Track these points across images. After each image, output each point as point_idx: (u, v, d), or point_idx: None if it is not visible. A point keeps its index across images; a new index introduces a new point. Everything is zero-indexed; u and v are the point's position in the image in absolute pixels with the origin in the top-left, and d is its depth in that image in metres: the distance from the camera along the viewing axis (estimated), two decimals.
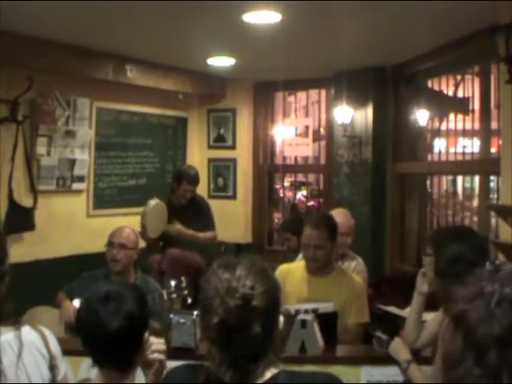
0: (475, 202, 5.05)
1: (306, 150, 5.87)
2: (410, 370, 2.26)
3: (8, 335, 1.57)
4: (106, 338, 1.54)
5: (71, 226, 4.79)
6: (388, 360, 2.39)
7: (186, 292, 2.77)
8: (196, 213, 4.65)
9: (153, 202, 4.42)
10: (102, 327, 1.54)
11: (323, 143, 6.19)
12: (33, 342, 1.61)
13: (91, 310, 1.58)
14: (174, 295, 2.76)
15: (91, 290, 1.66)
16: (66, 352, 1.77)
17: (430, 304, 2.29)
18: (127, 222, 4.20)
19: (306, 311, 2.52)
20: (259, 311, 1.21)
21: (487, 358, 0.77)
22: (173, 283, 2.81)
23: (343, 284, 2.97)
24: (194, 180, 4.72)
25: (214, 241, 4.67)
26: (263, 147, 6.11)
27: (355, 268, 3.44)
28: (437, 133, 5.30)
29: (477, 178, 4.63)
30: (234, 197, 6.03)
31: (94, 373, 1.65)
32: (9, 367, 1.54)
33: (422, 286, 2.28)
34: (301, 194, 8.01)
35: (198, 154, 6.06)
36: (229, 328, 1.20)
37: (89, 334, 1.59)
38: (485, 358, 0.77)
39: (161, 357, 1.68)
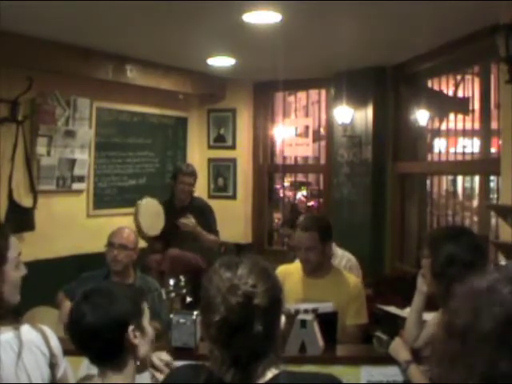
0: (475, 202, 5.05)
1: (306, 150, 5.87)
2: (410, 370, 2.26)
3: (7, 334, 1.58)
4: (82, 334, 1.58)
5: (71, 226, 4.78)
6: (388, 360, 2.39)
7: (184, 291, 2.77)
8: (197, 215, 4.65)
9: (142, 201, 4.44)
10: (78, 324, 1.58)
11: (323, 143, 6.18)
12: (33, 340, 1.62)
13: (73, 310, 1.62)
14: (173, 294, 2.76)
15: (80, 291, 1.69)
16: (66, 352, 1.77)
17: (430, 304, 2.29)
18: (127, 222, 4.21)
19: (306, 311, 2.52)
20: (261, 310, 1.21)
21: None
22: (171, 282, 2.81)
23: (341, 285, 2.96)
24: (189, 172, 4.73)
25: (216, 245, 4.68)
26: (263, 147, 6.11)
27: (346, 265, 3.40)
28: (437, 133, 5.30)
29: (477, 178, 4.63)
30: (234, 197, 6.03)
31: (94, 372, 1.65)
32: (9, 367, 1.54)
33: (423, 286, 2.28)
34: (301, 194, 8.00)
35: (198, 154, 6.06)
36: (230, 326, 1.20)
37: (71, 332, 1.62)
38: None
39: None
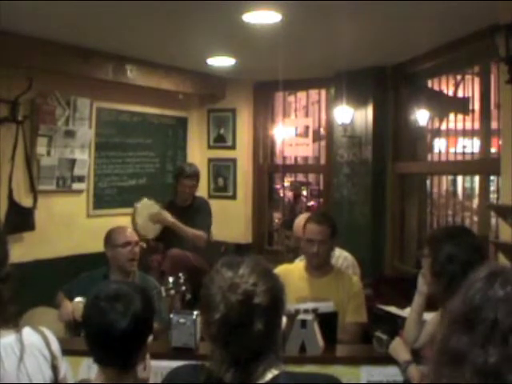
0: (475, 202, 5.05)
1: (306, 150, 5.87)
2: (409, 370, 2.27)
3: (9, 338, 1.57)
4: (112, 337, 1.55)
5: (71, 226, 4.78)
6: (388, 360, 2.39)
7: (184, 288, 2.77)
8: (196, 214, 4.66)
9: (139, 204, 4.45)
10: (109, 326, 1.54)
11: (323, 143, 6.18)
12: (34, 343, 1.61)
13: (99, 309, 1.58)
14: (173, 292, 2.76)
15: (99, 288, 1.66)
16: (66, 352, 1.77)
17: (430, 304, 2.29)
18: (127, 222, 4.22)
19: (306, 311, 2.53)
20: (261, 309, 1.21)
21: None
22: (171, 280, 2.81)
23: (341, 284, 2.99)
24: (191, 174, 4.73)
25: (202, 241, 4.57)
26: (263, 147, 6.11)
27: (342, 264, 3.42)
28: (437, 133, 5.30)
29: (477, 178, 4.63)
30: (233, 197, 6.02)
31: (93, 373, 1.65)
32: (10, 370, 1.54)
33: (423, 286, 2.28)
34: None
35: (198, 154, 6.06)
36: (230, 324, 1.20)
37: (94, 332, 1.59)
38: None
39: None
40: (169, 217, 4.49)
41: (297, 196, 7.12)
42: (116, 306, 1.56)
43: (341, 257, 3.47)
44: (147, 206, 4.52)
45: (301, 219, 3.63)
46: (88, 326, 1.62)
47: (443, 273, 2.01)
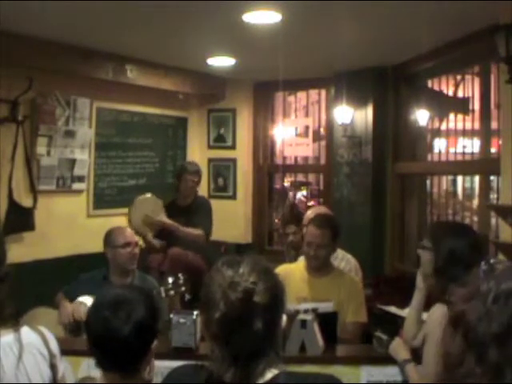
0: (475, 202, 5.05)
1: (306, 150, 5.87)
2: (406, 369, 2.26)
3: (8, 337, 1.57)
4: (115, 344, 1.55)
5: (71, 226, 4.78)
6: (388, 360, 2.39)
7: (183, 288, 2.77)
8: (196, 212, 4.67)
9: (139, 197, 4.47)
10: (112, 333, 1.54)
11: (323, 143, 6.18)
12: (33, 342, 1.61)
13: (101, 315, 1.57)
14: (172, 292, 2.76)
15: (102, 294, 1.67)
16: (66, 352, 1.77)
17: (430, 303, 2.29)
18: (127, 222, 4.22)
19: (306, 311, 2.53)
20: (261, 307, 1.22)
21: (488, 356, 0.78)
22: (170, 280, 2.80)
23: (342, 284, 2.99)
24: (194, 170, 4.76)
25: (201, 239, 4.61)
26: (263, 147, 6.11)
27: (345, 268, 3.40)
28: (437, 133, 5.30)
29: (477, 178, 4.63)
30: (233, 197, 6.03)
31: (95, 372, 1.65)
32: (9, 369, 1.54)
33: (422, 283, 2.29)
34: (301, 194, 8.00)
35: (198, 154, 6.06)
36: (230, 322, 1.20)
37: (97, 339, 1.59)
38: (485, 356, 0.78)
39: None
40: (163, 218, 4.50)
41: (283, 193, 7.09)
42: (118, 313, 1.56)
43: (343, 259, 3.46)
44: (147, 201, 4.53)
45: (310, 213, 3.62)
46: (91, 334, 1.61)
47: (445, 271, 2.01)
